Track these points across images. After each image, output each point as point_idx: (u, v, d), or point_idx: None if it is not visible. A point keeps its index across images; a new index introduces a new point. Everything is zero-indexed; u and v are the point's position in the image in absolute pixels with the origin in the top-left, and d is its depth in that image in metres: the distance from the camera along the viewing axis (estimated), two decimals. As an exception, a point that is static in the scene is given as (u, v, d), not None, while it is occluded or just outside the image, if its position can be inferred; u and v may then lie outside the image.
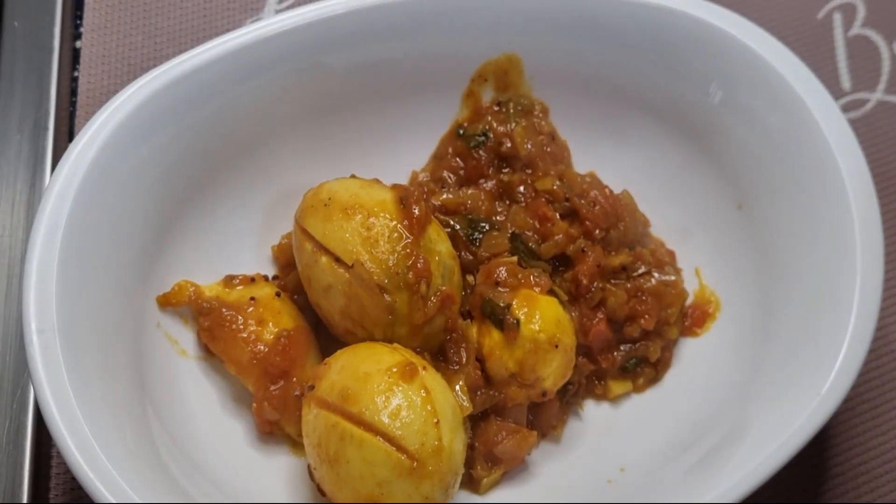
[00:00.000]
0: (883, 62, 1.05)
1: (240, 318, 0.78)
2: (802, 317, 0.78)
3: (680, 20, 0.86)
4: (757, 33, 0.85)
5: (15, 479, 0.78)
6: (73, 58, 0.98)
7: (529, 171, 0.87)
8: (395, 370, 0.71)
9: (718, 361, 0.84)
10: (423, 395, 0.70)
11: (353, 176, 0.80)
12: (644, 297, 0.85)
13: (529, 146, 0.87)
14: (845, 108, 1.02)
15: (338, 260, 0.75)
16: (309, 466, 0.74)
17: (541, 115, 0.90)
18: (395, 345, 0.75)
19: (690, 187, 0.91)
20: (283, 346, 0.77)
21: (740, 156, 0.86)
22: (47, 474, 0.80)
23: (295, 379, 0.77)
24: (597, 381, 0.85)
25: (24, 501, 0.77)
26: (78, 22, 1.00)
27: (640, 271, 0.86)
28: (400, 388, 0.70)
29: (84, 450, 0.65)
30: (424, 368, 0.73)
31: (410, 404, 0.70)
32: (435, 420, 0.70)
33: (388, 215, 0.75)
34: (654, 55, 0.87)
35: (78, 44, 0.99)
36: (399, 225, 0.75)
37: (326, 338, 0.80)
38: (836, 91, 1.03)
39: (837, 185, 0.79)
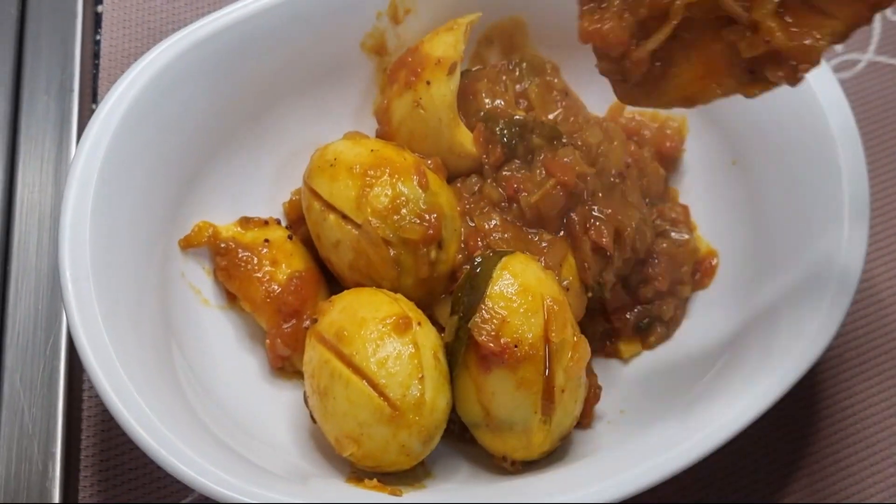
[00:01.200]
0: (874, 24, 1.09)
1: (255, 258, 0.82)
2: (792, 266, 0.81)
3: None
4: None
5: (50, 418, 0.83)
6: (95, 22, 1.01)
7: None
8: (389, 321, 0.74)
9: (717, 311, 0.87)
10: (412, 350, 0.73)
11: (355, 132, 0.84)
12: (657, 260, 0.87)
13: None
14: (837, 69, 1.06)
15: (345, 217, 0.79)
16: (304, 393, 0.78)
17: (552, 73, 0.92)
18: (399, 296, 0.78)
19: (688, 143, 0.94)
20: (294, 286, 0.81)
21: (735, 113, 0.89)
22: (79, 416, 0.84)
23: (306, 317, 0.81)
24: (608, 342, 0.88)
25: (59, 436, 0.82)
26: (99, -13, 1.03)
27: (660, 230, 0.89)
28: (391, 339, 0.73)
29: (118, 389, 0.69)
30: (419, 324, 0.75)
31: (398, 356, 0.73)
32: (420, 375, 0.72)
33: (393, 174, 0.79)
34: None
35: (99, 8, 1.01)
36: (401, 183, 0.78)
37: (335, 280, 0.84)
38: (828, 52, 1.06)
39: (827, 142, 0.83)
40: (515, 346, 0.72)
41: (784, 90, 0.84)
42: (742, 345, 0.81)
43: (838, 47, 1.07)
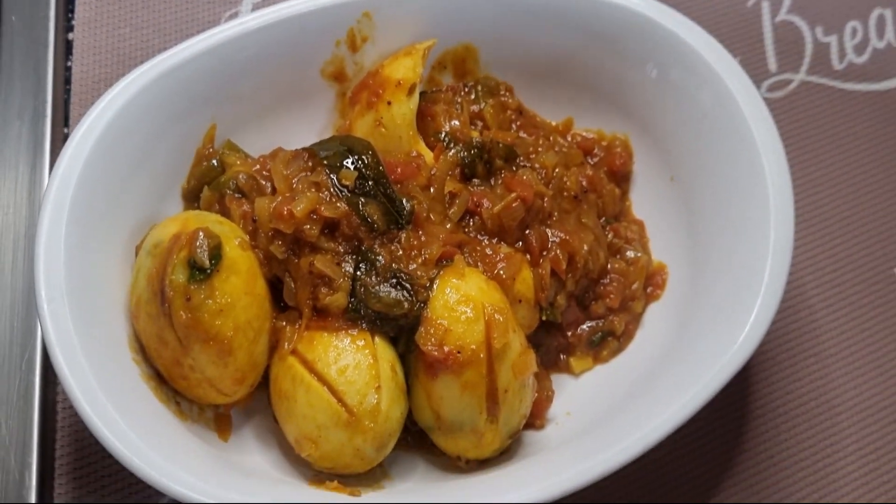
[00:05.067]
0: (806, 45, 1.14)
1: None
2: (724, 275, 0.86)
3: (616, 10, 0.94)
4: (687, 24, 0.93)
5: (26, 429, 0.86)
6: (66, 49, 1.03)
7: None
8: (354, 332, 0.79)
9: (666, 319, 0.91)
10: (371, 360, 0.78)
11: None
12: (609, 279, 0.91)
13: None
14: (771, 88, 1.11)
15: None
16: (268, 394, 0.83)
17: (506, 93, 0.97)
18: None
19: (632, 163, 0.99)
20: None
21: (673, 132, 0.95)
22: (53, 427, 0.87)
23: None
24: (561, 356, 0.91)
25: (34, 447, 0.85)
26: (70, 16, 1.05)
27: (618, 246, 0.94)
28: (352, 350, 0.78)
29: (93, 403, 0.72)
30: (378, 337, 0.79)
31: (357, 365, 0.77)
32: (377, 384, 0.77)
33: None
34: (600, 43, 0.95)
35: (70, 36, 1.04)
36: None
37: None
38: (763, 72, 1.11)
39: (754, 159, 0.87)
40: (458, 353, 0.77)
41: (717, 110, 0.90)
42: (679, 349, 0.86)
43: (772, 67, 1.13)
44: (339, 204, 0.80)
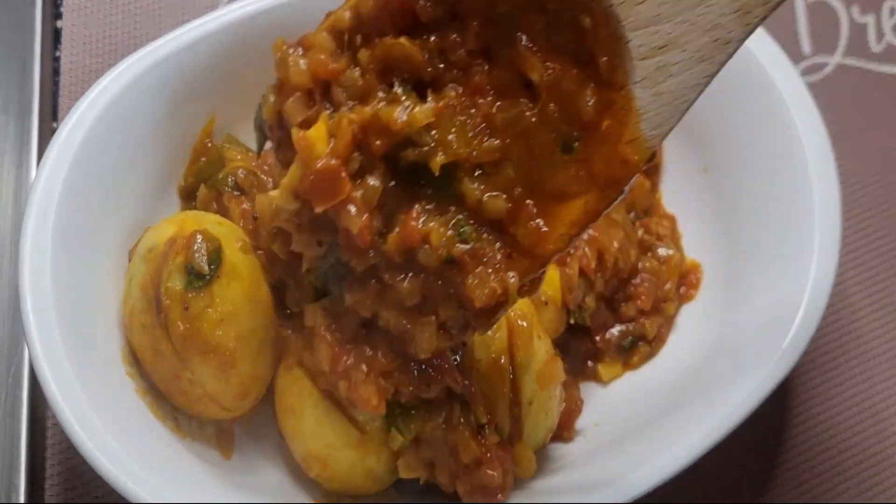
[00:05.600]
0: (841, 27, 1.09)
1: None
2: (765, 275, 0.82)
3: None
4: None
5: (13, 448, 0.81)
6: (54, 38, 1.00)
7: None
8: None
9: (700, 323, 0.87)
10: None
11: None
12: (640, 279, 0.87)
13: None
14: (805, 72, 1.06)
15: None
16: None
17: None
18: None
19: (661, 152, 0.94)
20: None
21: (706, 121, 0.89)
22: (43, 445, 0.83)
23: None
24: (589, 362, 0.87)
25: (22, 467, 0.81)
26: (58, 2, 1.02)
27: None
28: None
29: (82, 421, 0.68)
30: None
31: None
32: None
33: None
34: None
35: (59, 24, 1.00)
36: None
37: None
38: (796, 55, 1.06)
39: (796, 147, 0.83)
40: (477, 362, 0.72)
41: (755, 94, 0.85)
42: (717, 357, 0.81)
43: (806, 49, 1.07)
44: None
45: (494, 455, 0.72)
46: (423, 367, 0.69)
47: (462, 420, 0.71)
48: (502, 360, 0.73)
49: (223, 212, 0.80)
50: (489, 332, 0.72)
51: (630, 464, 0.73)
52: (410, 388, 0.69)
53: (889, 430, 0.90)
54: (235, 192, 0.80)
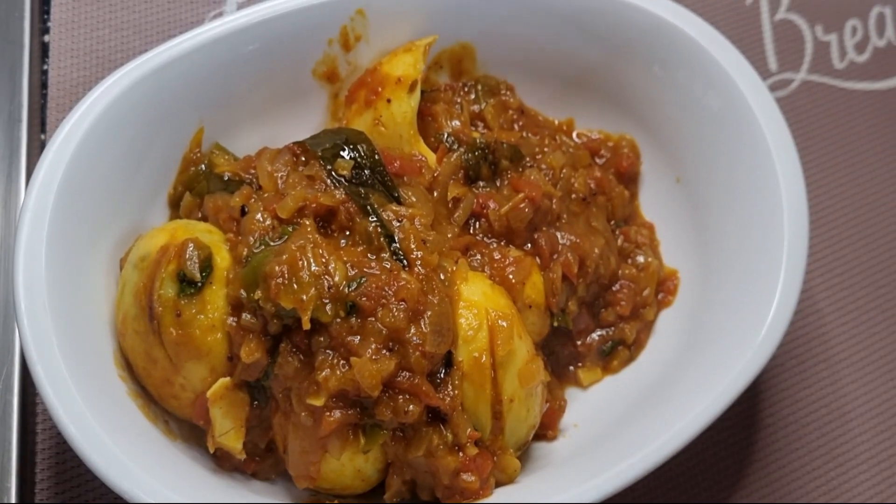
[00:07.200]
0: (806, 45, 1.12)
1: None
2: (736, 281, 0.84)
3: (625, 9, 0.91)
4: (694, 21, 0.90)
5: (4, 452, 0.82)
6: (42, 52, 1.00)
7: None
8: None
9: (677, 327, 0.89)
10: None
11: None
12: (620, 285, 0.88)
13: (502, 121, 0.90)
14: (772, 88, 1.09)
15: None
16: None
17: (507, 92, 0.94)
18: None
19: (639, 162, 0.96)
20: None
21: (678, 132, 0.92)
22: (33, 449, 0.84)
23: None
24: (571, 367, 0.88)
25: (13, 470, 0.81)
26: (46, 17, 1.01)
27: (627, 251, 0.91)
28: None
29: (78, 424, 0.69)
30: None
31: None
32: None
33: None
34: (602, 42, 0.92)
35: (46, 38, 1.00)
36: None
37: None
38: (763, 72, 1.09)
39: (766, 159, 0.85)
40: (460, 361, 0.74)
41: (726, 107, 0.87)
42: (691, 358, 0.83)
43: (772, 66, 1.11)
44: (336, 192, 0.76)
45: (473, 464, 0.74)
46: (395, 391, 0.72)
47: (441, 446, 0.73)
48: (483, 359, 0.74)
49: (205, 216, 0.81)
50: (470, 333, 0.74)
51: (606, 463, 0.74)
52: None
53: (855, 430, 0.93)
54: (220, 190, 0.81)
